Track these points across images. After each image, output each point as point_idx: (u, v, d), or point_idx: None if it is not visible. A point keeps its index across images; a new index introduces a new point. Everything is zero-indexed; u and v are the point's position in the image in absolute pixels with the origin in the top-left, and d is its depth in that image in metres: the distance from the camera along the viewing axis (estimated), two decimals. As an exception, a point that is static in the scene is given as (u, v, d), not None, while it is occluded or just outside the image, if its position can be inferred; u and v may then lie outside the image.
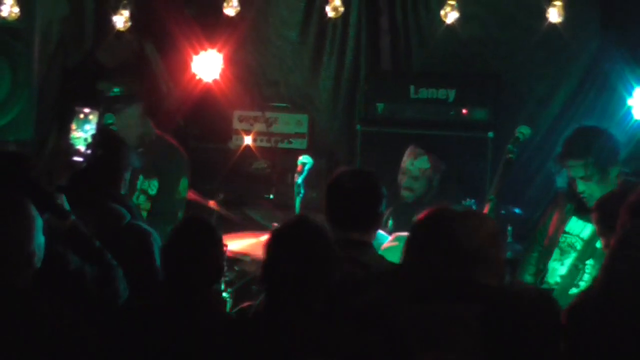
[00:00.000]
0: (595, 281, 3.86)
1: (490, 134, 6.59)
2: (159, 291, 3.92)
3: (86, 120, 4.17)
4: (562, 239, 5.22)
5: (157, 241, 4.35)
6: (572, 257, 5.15)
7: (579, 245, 5.14)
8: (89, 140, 4.15)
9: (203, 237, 3.89)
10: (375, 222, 4.33)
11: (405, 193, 6.21)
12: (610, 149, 5.15)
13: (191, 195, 6.04)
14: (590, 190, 5.09)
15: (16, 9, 6.56)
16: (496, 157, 6.27)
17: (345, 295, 3.95)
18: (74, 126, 4.14)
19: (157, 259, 4.26)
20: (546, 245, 5.28)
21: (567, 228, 5.23)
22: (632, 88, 6.26)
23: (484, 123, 6.67)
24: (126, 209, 4.38)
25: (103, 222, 4.25)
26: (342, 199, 4.30)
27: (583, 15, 6.62)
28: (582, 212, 5.14)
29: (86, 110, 4.18)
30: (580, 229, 5.18)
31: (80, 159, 4.14)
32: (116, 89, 5.72)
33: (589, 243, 5.06)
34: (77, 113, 4.16)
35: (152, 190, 5.70)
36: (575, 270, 5.07)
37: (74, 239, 4.00)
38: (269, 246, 3.74)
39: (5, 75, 6.44)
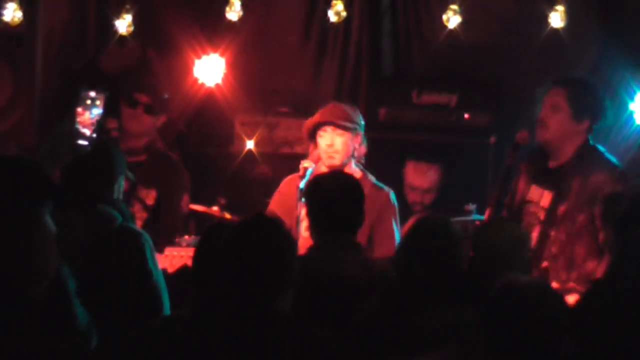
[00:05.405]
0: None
1: (492, 139, 6.59)
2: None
3: (93, 104, 4.17)
4: (526, 209, 5.22)
5: (148, 242, 4.35)
6: (538, 228, 5.13)
7: (541, 215, 5.13)
8: (97, 124, 4.13)
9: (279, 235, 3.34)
10: (362, 222, 4.37)
11: (415, 206, 6.35)
12: (597, 106, 5.14)
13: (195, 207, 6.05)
14: (550, 121, 5.12)
15: (19, 14, 6.58)
16: (498, 162, 6.27)
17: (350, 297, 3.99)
18: (80, 110, 4.13)
19: (149, 260, 4.29)
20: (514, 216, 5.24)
21: (529, 197, 5.23)
22: (634, 93, 6.26)
23: (486, 128, 6.66)
24: (118, 212, 4.37)
25: (94, 224, 4.25)
26: (329, 202, 4.31)
27: (585, 20, 6.62)
28: (541, 178, 5.16)
29: (92, 94, 4.18)
30: (539, 196, 5.17)
31: (85, 143, 4.12)
32: None
33: (550, 211, 5.06)
34: (83, 98, 4.15)
35: (150, 200, 5.70)
36: (546, 239, 5.05)
37: None
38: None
39: (7, 81, 6.45)
